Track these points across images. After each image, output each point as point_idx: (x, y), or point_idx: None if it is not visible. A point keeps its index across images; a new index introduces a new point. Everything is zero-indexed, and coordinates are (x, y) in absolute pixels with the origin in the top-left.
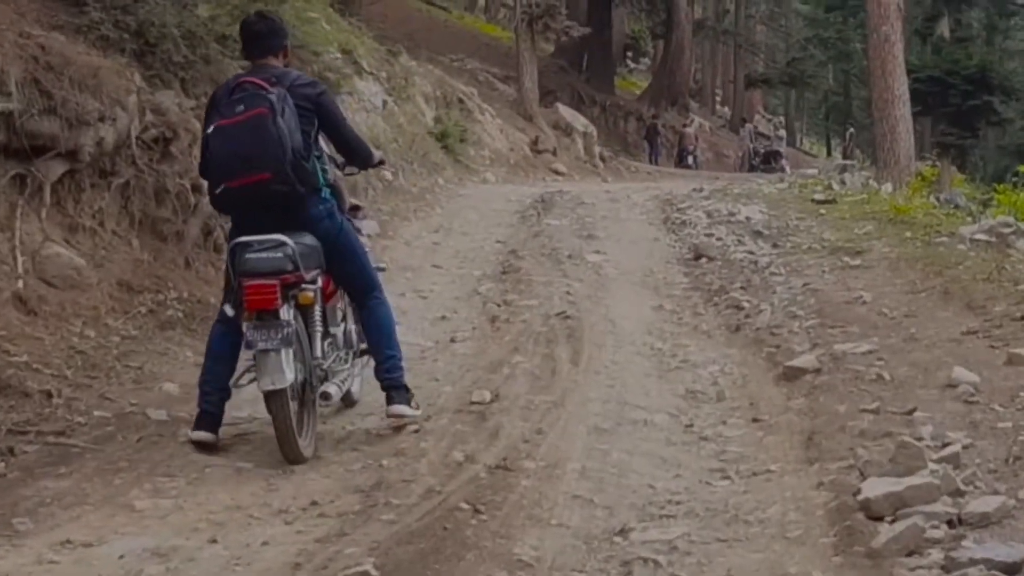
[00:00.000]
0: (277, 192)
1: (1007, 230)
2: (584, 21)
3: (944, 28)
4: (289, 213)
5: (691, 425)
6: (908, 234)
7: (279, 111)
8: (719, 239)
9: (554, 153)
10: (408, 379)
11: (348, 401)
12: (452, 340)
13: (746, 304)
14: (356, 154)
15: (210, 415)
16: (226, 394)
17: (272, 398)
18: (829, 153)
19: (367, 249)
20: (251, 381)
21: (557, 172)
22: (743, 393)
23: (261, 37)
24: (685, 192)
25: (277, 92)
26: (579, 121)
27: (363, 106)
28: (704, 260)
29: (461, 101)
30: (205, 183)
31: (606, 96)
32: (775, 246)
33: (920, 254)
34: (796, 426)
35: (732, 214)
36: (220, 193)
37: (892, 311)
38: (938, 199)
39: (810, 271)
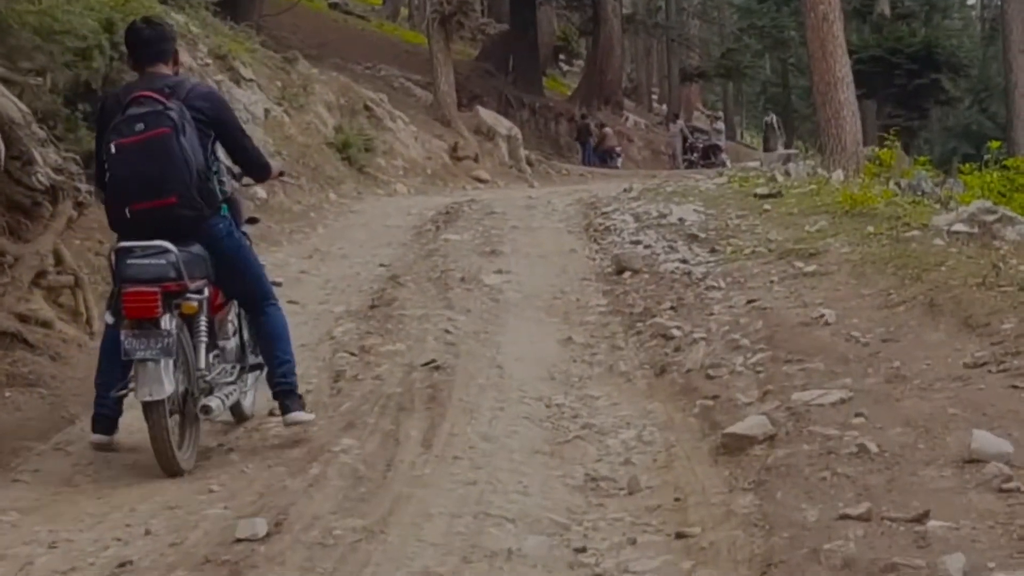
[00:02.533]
0: (183, 216)
1: (990, 218)
2: (507, 21)
3: (885, 6)
4: (191, 234)
5: (583, 550)
6: (870, 229)
7: (181, 129)
8: (647, 247)
9: (476, 159)
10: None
11: (240, 416)
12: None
13: (676, 332)
14: (255, 166)
15: (105, 417)
16: (122, 398)
17: (150, 409)
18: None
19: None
20: (129, 390)
21: (479, 179)
22: (666, 480)
23: (149, 44)
24: (614, 194)
25: (176, 108)
26: (502, 124)
27: (240, 116)
28: (628, 274)
29: (368, 108)
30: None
31: (535, 98)
32: (713, 252)
33: (889, 254)
34: (742, 549)
35: (663, 216)
36: (128, 217)
37: (865, 334)
38: (899, 185)
39: (755, 282)
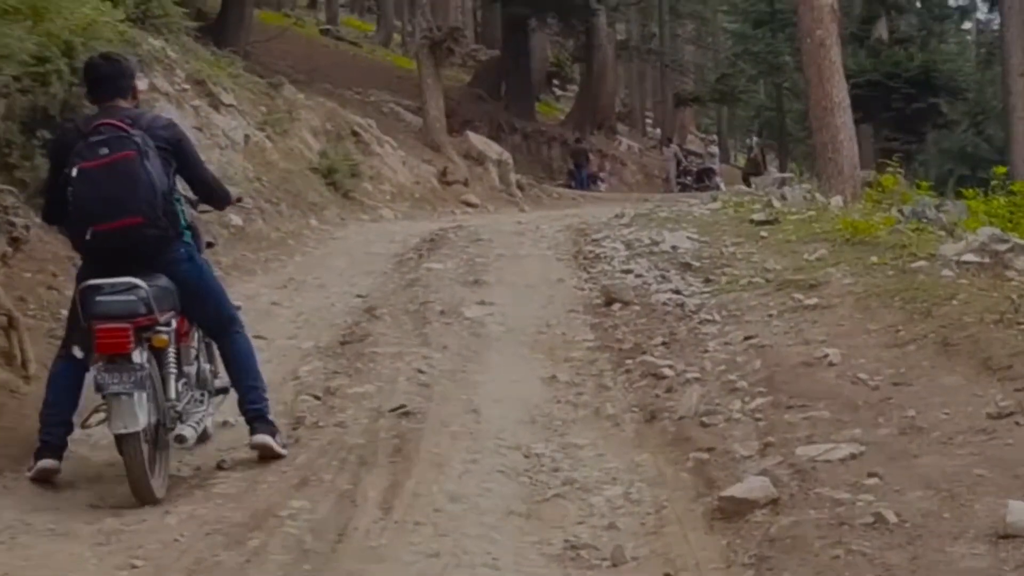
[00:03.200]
0: (149, 236)
1: (1002, 247)
2: (500, 47)
3: (882, 30)
4: (154, 258)
5: None
6: (874, 259)
7: (145, 154)
8: (638, 276)
9: (465, 184)
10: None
11: (202, 437)
12: (219, 466)
13: (668, 371)
14: (213, 195)
15: (51, 445)
16: (69, 427)
17: (124, 442)
18: (766, 167)
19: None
20: (100, 423)
21: (469, 204)
22: (655, 549)
23: (108, 79)
24: (605, 219)
25: (140, 134)
26: (493, 149)
27: (216, 142)
28: (617, 306)
29: (356, 134)
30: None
31: (527, 123)
32: (707, 282)
33: (895, 286)
34: None
35: (656, 243)
36: (90, 238)
37: (873, 376)
38: (901, 212)
39: (753, 316)
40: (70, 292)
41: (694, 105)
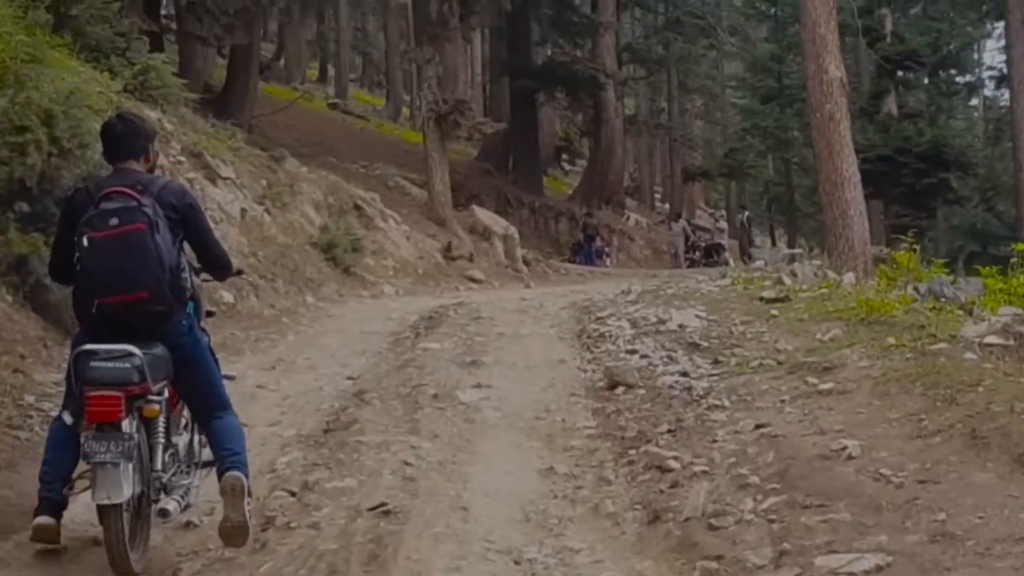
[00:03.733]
0: (154, 312)
1: None
2: (508, 121)
3: (892, 105)
4: (154, 330)
5: None
6: (891, 340)
7: (156, 226)
8: (644, 356)
9: (470, 259)
10: None
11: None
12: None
13: (673, 463)
14: (217, 266)
15: (51, 501)
16: (69, 485)
17: (106, 512)
18: (774, 243)
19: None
20: (85, 490)
21: (473, 279)
22: None
23: (121, 139)
24: (611, 296)
25: (150, 204)
26: (499, 224)
27: (212, 216)
28: (621, 390)
29: (359, 207)
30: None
31: (534, 197)
32: (716, 363)
33: (915, 370)
34: None
35: (663, 321)
36: (95, 311)
37: (897, 472)
38: (917, 290)
39: (764, 401)
40: (39, 376)
41: (702, 180)
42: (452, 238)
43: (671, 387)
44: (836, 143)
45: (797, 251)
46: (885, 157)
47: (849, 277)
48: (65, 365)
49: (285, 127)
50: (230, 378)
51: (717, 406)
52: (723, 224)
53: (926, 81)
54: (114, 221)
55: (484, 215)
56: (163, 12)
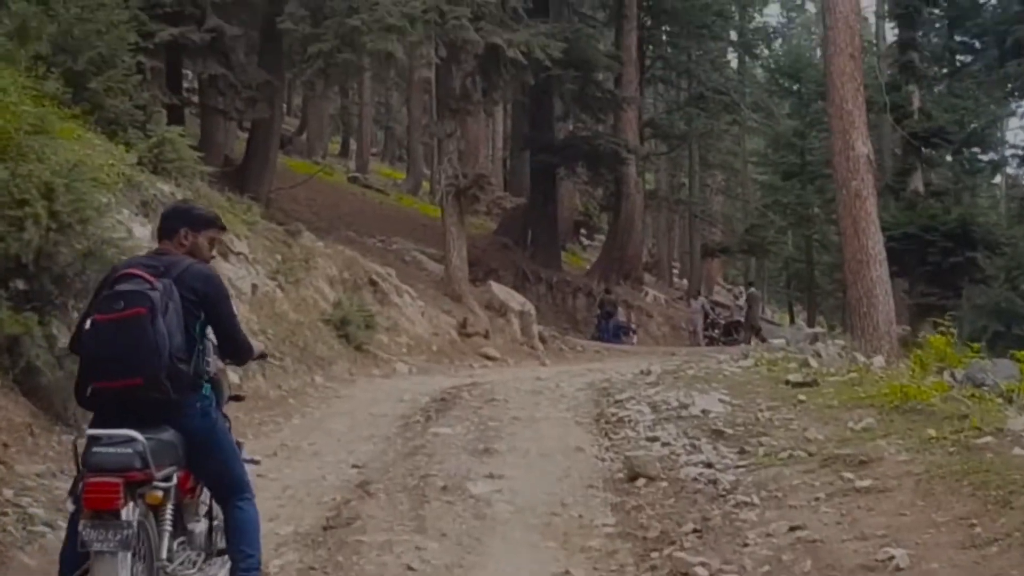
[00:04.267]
0: (148, 399)
1: None
2: (528, 195)
3: (918, 182)
4: (163, 414)
5: None
6: (931, 432)
7: (160, 310)
8: (665, 444)
9: (486, 336)
10: None
11: None
12: None
13: (701, 570)
14: (238, 352)
15: None
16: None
17: None
18: (792, 321)
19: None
20: None
21: (488, 357)
22: None
23: (162, 220)
24: (629, 376)
25: (162, 286)
26: (515, 300)
27: None
28: (642, 482)
29: (374, 283)
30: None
31: (552, 272)
32: (742, 453)
33: (960, 466)
34: None
35: (684, 405)
36: (90, 395)
37: None
38: (953, 376)
39: (797, 499)
40: (21, 467)
41: (722, 256)
42: (468, 314)
43: (695, 479)
44: (862, 220)
45: (820, 330)
46: (911, 235)
47: (879, 360)
48: (52, 454)
49: (304, 201)
50: (255, 462)
51: (746, 503)
52: (743, 302)
53: (949, 159)
54: (120, 304)
55: (500, 291)
56: (185, 85)
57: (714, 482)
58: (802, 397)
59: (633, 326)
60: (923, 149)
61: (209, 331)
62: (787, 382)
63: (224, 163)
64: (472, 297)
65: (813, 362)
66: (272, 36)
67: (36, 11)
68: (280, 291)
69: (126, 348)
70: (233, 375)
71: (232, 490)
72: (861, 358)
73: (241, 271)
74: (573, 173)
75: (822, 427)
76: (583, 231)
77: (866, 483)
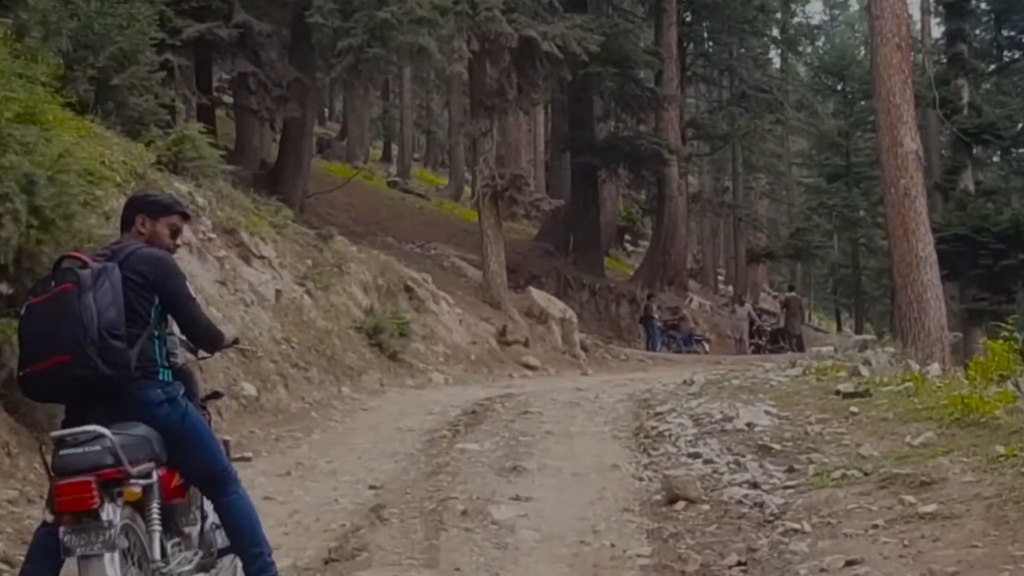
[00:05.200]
0: (79, 376)
1: None
2: (569, 199)
3: (968, 181)
4: (113, 400)
5: None
6: (999, 449)
7: (88, 286)
8: (708, 462)
9: (526, 344)
10: None
11: None
12: None
13: None
14: (201, 337)
15: None
16: None
17: None
18: (839, 328)
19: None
20: None
21: (528, 366)
22: None
23: (122, 212)
24: (671, 387)
25: (96, 267)
26: (556, 306)
27: (242, 297)
28: (682, 505)
29: (410, 289)
30: None
31: (595, 279)
32: (791, 471)
33: None
34: None
35: (728, 418)
36: (24, 377)
37: None
38: (1018, 386)
39: (852, 526)
40: None
41: (767, 261)
42: (507, 322)
43: (740, 502)
44: (911, 221)
45: (869, 337)
46: (962, 236)
47: (935, 368)
48: (32, 477)
49: (343, 206)
50: (245, 459)
51: (796, 531)
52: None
53: (996, 158)
54: (51, 285)
55: (541, 297)
56: (215, 85)
57: (760, 505)
58: (854, 409)
59: (700, 334)
60: (973, 147)
61: (174, 324)
62: (837, 392)
63: (260, 167)
64: (511, 304)
65: (864, 371)
66: (302, 33)
67: (55, 4)
68: (308, 297)
69: (51, 326)
70: (249, 386)
71: (218, 483)
72: (915, 366)
73: (264, 276)
74: (615, 175)
75: (877, 442)
76: (627, 237)
77: (930, 508)
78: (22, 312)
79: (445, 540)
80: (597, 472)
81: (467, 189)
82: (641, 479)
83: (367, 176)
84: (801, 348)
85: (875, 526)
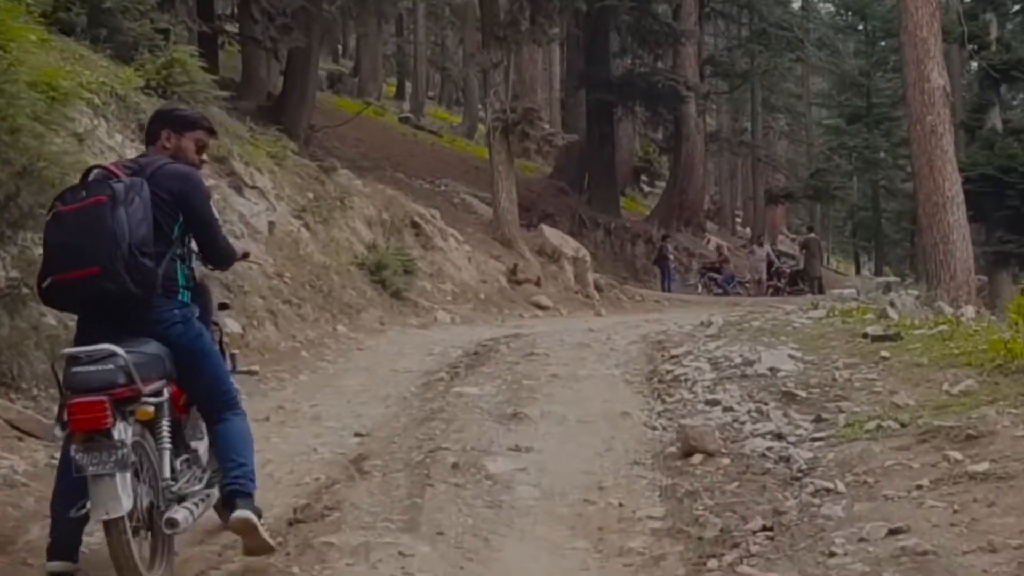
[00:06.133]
0: (107, 290)
1: None
2: (584, 136)
3: (996, 120)
4: (131, 315)
5: None
6: None
7: (122, 200)
8: (727, 409)
9: (537, 283)
10: None
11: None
12: None
13: None
14: (220, 257)
15: (61, 545)
16: (83, 520)
17: (109, 529)
18: (858, 271)
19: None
20: (83, 511)
21: (540, 306)
22: None
23: (148, 125)
24: (688, 328)
25: (130, 181)
26: (569, 245)
27: (231, 229)
28: (699, 458)
29: (416, 225)
30: None
31: (610, 218)
32: (819, 421)
33: None
34: None
35: (749, 362)
36: (48, 287)
37: None
38: None
39: (893, 486)
40: None
41: (786, 202)
42: (518, 260)
43: (763, 456)
44: (938, 159)
45: (892, 279)
46: (988, 177)
47: (969, 311)
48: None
49: (352, 141)
50: (252, 373)
51: (828, 490)
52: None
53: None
54: (82, 195)
55: (554, 235)
56: (218, 13)
57: (786, 460)
58: (885, 353)
59: (738, 277)
60: (1001, 84)
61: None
62: (865, 335)
63: (267, 99)
64: (523, 242)
65: (893, 314)
66: None
67: None
68: (306, 231)
69: (83, 236)
70: (233, 323)
71: (220, 406)
72: (947, 309)
73: (257, 207)
74: (631, 113)
75: (912, 390)
76: (643, 177)
77: (981, 467)
78: (48, 219)
79: (430, 498)
80: (606, 420)
81: (481, 128)
82: (654, 428)
83: (378, 112)
84: (821, 290)
85: (919, 487)
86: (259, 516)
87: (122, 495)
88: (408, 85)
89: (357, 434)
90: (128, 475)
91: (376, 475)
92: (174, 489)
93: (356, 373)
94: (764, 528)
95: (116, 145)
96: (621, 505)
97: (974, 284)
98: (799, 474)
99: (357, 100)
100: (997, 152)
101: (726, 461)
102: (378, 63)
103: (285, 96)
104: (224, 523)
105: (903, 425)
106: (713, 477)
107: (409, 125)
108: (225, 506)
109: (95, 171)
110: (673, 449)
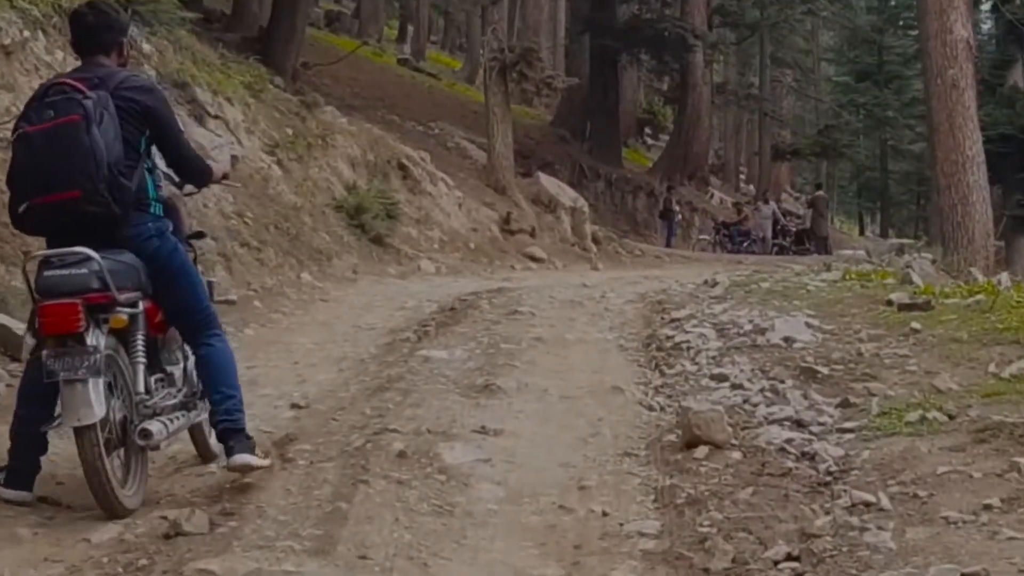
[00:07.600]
0: (89, 213)
1: None
2: (587, 83)
3: (1018, 77)
4: (106, 233)
5: None
6: None
7: (95, 119)
8: (737, 387)
9: (532, 234)
10: None
11: (206, 454)
12: None
13: None
14: (189, 172)
15: (18, 472)
16: (42, 447)
17: (82, 437)
18: (861, 232)
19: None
20: (58, 423)
21: (533, 258)
22: None
23: (91, 31)
24: (691, 287)
25: (96, 96)
26: (566, 194)
27: None
28: (704, 451)
29: (404, 167)
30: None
31: (612, 169)
32: (845, 406)
33: None
34: None
35: (760, 330)
36: (24, 212)
37: None
38: None
39: (953, 504)
40: None
41: (792, 159)
42: (512, 208)
43: (782, 450)
44: (959, 115)
45: (906, 241)
46: (1009, 136)
47: (1004, 278)
48: None
49: (346, 80)
50: (230, 303)
51: (868, 504)
52: (805, 205)
53: None
54: (49, 113)
55: (550, 184)
56: None
57: (811, 457)
58: (916, 325)
59: (758, 233)
60: None
61: (158, 157)
62: (890, 303)
63: (259, 34)
64: (518, 189)
65: (916, 279)
66: None
67: None
68: (278, 168)
69: (60, 159)
70: None
71: (200, 325)
72: (979, 276)
73: (220, 139)
74: (636, 61)
75: (953, 370)
76: (647, 130)
77: None
78: (14, 139)
79: (361, 500)
80: (594, 396)
81: (482, 72)
82: (650, 408)
83: (377, 53)
84: (828, 250)
85: (987, 507)
86: (253, 451)
87: (95, 402)
88: (410, 28)
89: (294, 405)
90: (101, 382)
91: (300, 464)
92: (148, 404)
93: (312, 328)
94: (789, 557)
95: (56, 63)
96: (605, 514)
97: (992, 249)
98: (828, 478)
99: (356, 40)
100: (1019, 111)
101: (737, 456)
102: (380, 3)
103: (273, 28)
104: (203, 455)
105: (951, 417)
106: (722, 478)
107: (408, 67)
108: (219, 442)
109: (56, 88)
110: (673, 437)
